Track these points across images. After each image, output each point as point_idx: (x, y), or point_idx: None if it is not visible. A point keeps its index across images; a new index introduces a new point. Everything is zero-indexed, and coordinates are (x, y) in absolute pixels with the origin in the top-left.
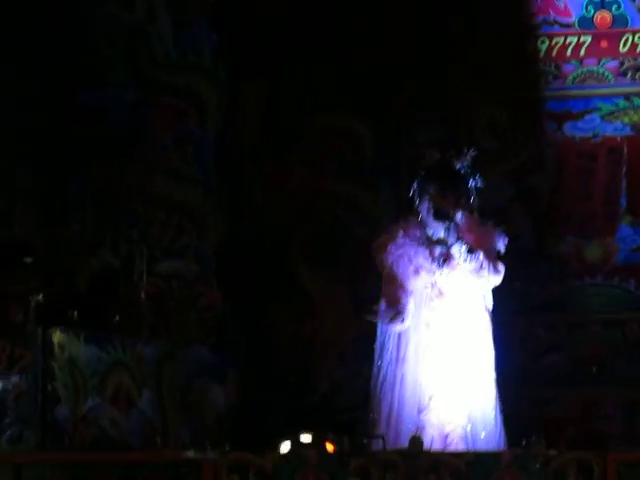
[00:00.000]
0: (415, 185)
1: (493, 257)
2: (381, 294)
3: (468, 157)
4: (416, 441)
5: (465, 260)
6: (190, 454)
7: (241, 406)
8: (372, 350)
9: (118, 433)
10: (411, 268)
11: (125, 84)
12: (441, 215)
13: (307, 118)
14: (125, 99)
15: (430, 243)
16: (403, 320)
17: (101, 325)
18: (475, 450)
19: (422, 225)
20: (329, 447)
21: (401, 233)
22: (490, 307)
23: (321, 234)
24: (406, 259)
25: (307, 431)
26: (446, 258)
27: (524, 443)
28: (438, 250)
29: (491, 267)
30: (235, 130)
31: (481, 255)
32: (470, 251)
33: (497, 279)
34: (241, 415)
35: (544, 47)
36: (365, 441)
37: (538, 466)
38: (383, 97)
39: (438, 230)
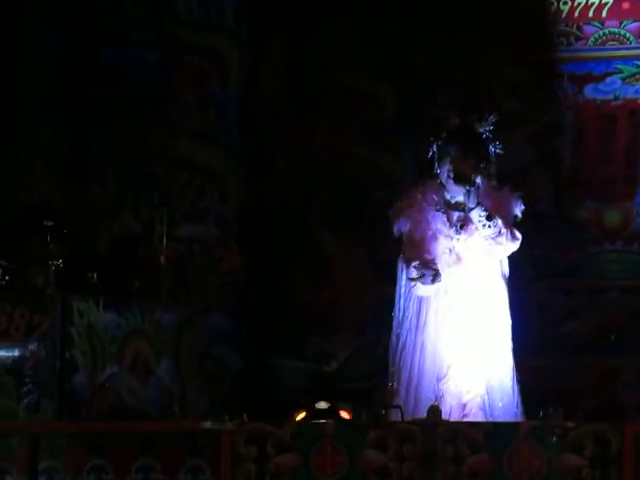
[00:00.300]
0: (435, 148)
1: (511, 224)
2: (404, 259)
3: (490, 122)
4: (434, 411)
5: (484, 226)
6: (208, 424)
7: (258, 373)
8: (391, 318)
9: (136, 402)
10: (429, 233)
11: (148, 43)
12: (461, 179)
13: (329, 78)
14: (148, 58)
15: (448, 207)
16: (440, 280)
17: (121, 290)
18: (493, 421)
19: (441, 189)
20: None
21: (419, 197)
22: (507, 274)
23: (342, 196)
24: (424, 224)
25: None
26: (464, 223)
27: (541, 414)
28: (456, 215)
29: (509, 234)
30: (257, 91)
31: (500, 221)
32: (489, 217)
33: (514, 246)
34: (258, 383)
35: (566, 8)
36: (383, 411)
37: (555, 438)
38: (405, 58)
39: (457, 194)
